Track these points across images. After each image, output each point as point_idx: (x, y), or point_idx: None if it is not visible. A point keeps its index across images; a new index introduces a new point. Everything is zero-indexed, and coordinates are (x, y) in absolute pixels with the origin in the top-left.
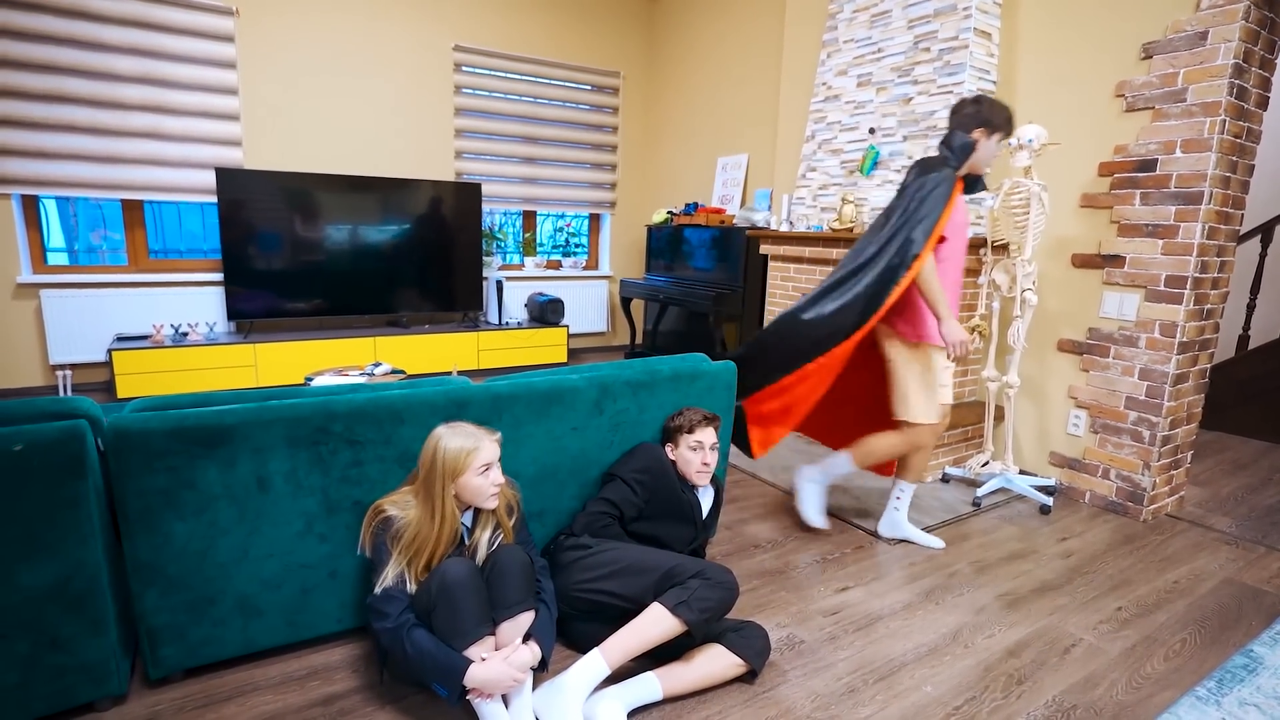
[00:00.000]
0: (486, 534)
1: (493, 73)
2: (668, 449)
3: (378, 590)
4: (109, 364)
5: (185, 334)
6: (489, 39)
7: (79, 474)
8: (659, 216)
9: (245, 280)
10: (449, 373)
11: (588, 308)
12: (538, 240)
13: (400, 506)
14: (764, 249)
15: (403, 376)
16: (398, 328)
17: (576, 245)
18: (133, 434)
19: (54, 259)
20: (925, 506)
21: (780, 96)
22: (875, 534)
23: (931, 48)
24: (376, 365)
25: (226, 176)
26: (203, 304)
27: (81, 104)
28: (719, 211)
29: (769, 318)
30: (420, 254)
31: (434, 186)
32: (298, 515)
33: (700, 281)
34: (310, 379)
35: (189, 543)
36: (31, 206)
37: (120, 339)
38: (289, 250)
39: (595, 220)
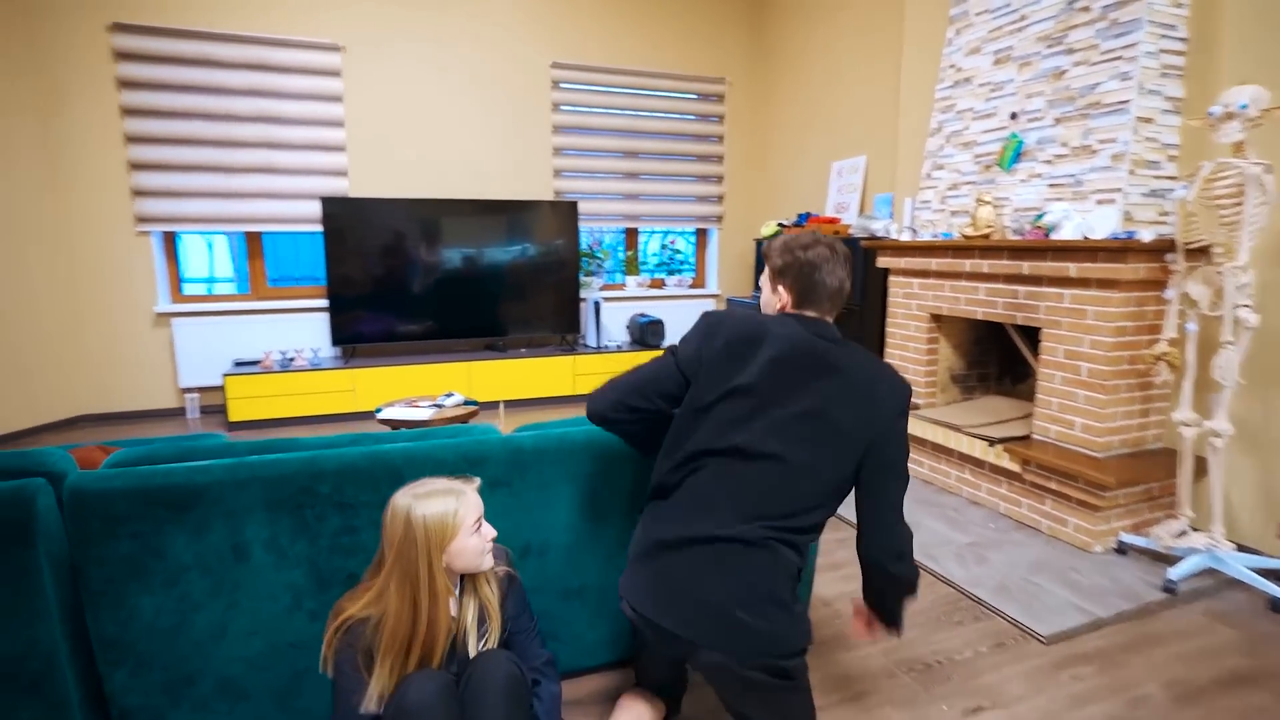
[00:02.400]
0: (471, 612)
1: (591, 88)
2: None
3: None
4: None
5: (292, 359)
6: (587, 54)
7: (27, 541)
8: (768, 229)
9: (347, 306)
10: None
11: None
12: (641, 258)
13: (369, 604)
14: (883, 261)
15: (474, 411)
16: (494, 352)
17: (682, 263)
18: (90, 495)
19: (190, 289)
20: (1091, 588)
21: (901, 88)
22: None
23: (1092, 5)
24: (448, 396)
25: (330, 205)
26: (312, 330)
27: (207, 145)
28: (833, 221)
29: (890, 339)
30: (517, 276)
31: (531, 207)
32: (283, 588)
33: None
34: (379, 410)
35: (158, 618)
36: (170, 241)
37: (237, 364)
38: (388, 276)
39: (702, 236)
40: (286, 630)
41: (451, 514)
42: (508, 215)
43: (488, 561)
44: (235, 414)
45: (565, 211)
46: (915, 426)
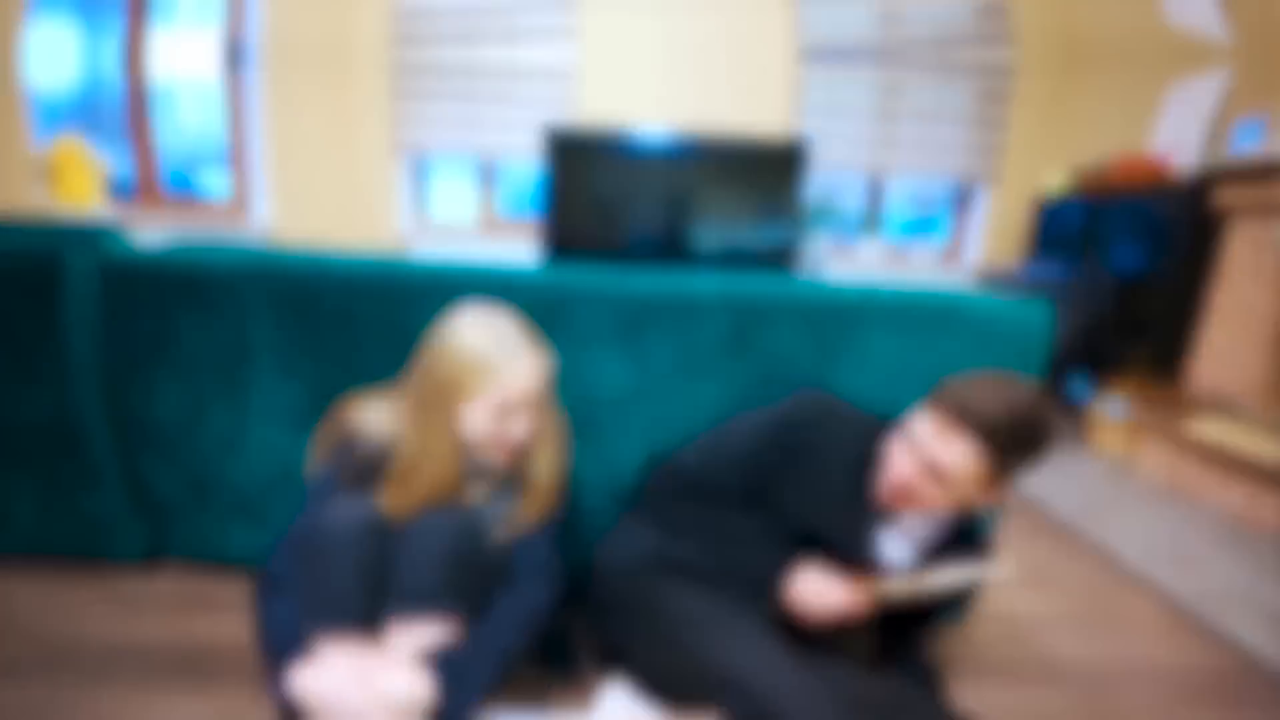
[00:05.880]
0: (500, 499)
1: None
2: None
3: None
4: None
5: None
6: None
7: (51, 303)
8: (1052, 182)
9: (558, 236)
10: None
11: None
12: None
13: (378, 418)
14: (1228, 198)
15: None
16: None
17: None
18: (116, 266)
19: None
20: None
21: None
22: None
23: None
24: None
25: (548, 133)
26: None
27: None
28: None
29: (1215, 309)
30: (723, 224)
31: (750, 146)
32: (288, 404)
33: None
34: None
35: (179, 407)
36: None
37: None
38: (588, 211)
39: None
40: (295, 453)
41: (482, 370)
42: (721, 154)
43: (497, 459)
44: None
45: (791, 154)
46: (1225, 435)
